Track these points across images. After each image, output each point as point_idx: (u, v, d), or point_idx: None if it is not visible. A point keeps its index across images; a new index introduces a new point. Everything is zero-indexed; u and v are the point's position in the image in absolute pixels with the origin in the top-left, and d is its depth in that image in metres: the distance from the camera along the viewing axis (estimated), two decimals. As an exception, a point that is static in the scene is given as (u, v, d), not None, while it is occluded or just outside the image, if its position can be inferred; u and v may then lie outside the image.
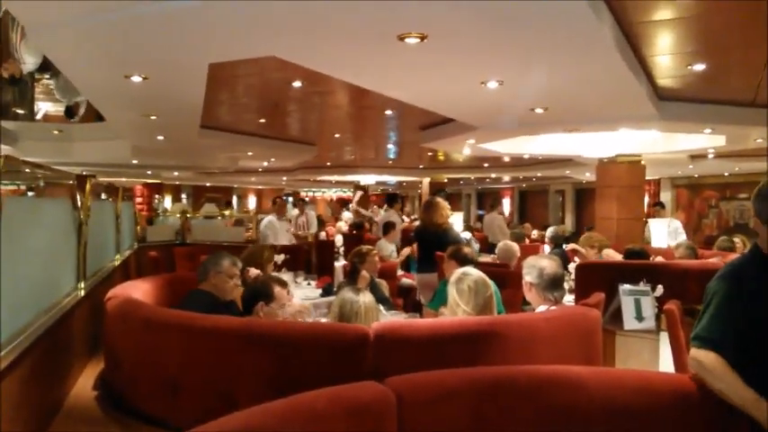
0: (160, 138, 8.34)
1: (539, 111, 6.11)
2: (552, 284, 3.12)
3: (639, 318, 4.83)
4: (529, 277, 3.18)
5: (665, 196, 16.25)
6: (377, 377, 1.97)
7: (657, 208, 9.49)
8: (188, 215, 9.59)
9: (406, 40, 3.67)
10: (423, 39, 3.66)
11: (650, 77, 5.46)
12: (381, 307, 3.82)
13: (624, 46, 4.30)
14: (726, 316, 2.11)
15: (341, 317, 2.99)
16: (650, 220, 9.02)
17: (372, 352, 2.62)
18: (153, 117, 6.69)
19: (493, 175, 18.40)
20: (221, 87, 6.17)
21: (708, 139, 7.64)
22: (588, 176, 14.51)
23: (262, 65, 5.34)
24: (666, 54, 4.84)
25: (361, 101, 7.16)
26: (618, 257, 6.00)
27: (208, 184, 23.41)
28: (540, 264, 3.19)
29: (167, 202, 21.89)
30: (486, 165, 15.26)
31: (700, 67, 5.05)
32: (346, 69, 4.70)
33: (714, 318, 2.13)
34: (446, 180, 17.89)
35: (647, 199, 14.21)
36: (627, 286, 4.87)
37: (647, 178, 14.07)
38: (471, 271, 3.26)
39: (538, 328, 2.81)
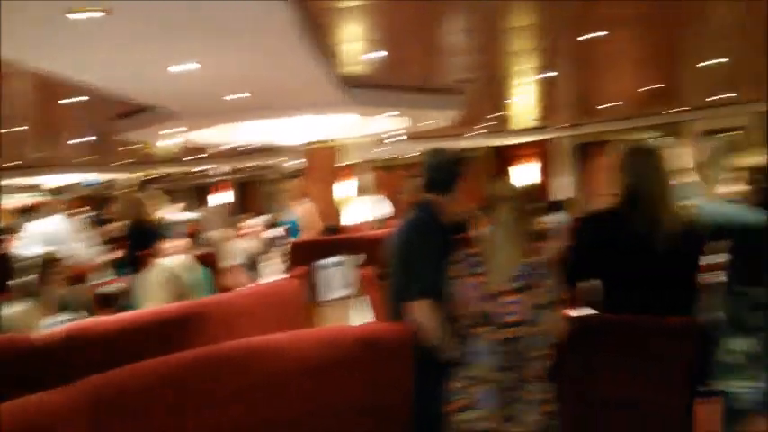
0: None
1: (241, 96, 6.14)
2: (255, 264, 3.31)
3: (340, 286, 5.26)
4: (233, 260, 3.31)
5: (367, 177, 17.84)
6: (68, 380, 1.80)
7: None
8: None
9: (81, 14, 3.34)
10: (105, 13, 3.37)
11: (337, 64, 5.87)
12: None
13: (310, 33, 4.54)
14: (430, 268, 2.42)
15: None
16: (351, 199, 9.88)
17: (62, 354, 2.38)
18: None
19: (211, 167, 18.00)
20: None
21: (395, 122, 8.60)
22: (298, 163, 15.12)
23: None
24: (352, 41, 5.26)
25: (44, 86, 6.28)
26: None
27: None
28: (242, 246, 3.37)
29: None
30: (202, 156, 14.85)
31: (380, 54, 5.59)
32: (10, 47, 4.08)
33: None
34: (166, 174, 16.90)
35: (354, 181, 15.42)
36: (326, 260, 5.26)
37: (350, 162, 15.33)
38: (165, 261, 3.21)
39: (239, 305, 2.87)
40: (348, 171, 17.20)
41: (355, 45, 5.38)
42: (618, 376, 2.41)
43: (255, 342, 2.20)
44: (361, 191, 10.78)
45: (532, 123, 12.81)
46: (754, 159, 2.75)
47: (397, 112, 7.74)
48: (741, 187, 2.68)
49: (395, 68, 6.26)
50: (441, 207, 2.63)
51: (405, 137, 10.67)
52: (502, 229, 2.27)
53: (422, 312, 2.42)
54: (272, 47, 4.44)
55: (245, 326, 2.80)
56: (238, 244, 3.48)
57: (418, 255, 2.52)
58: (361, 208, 9.66)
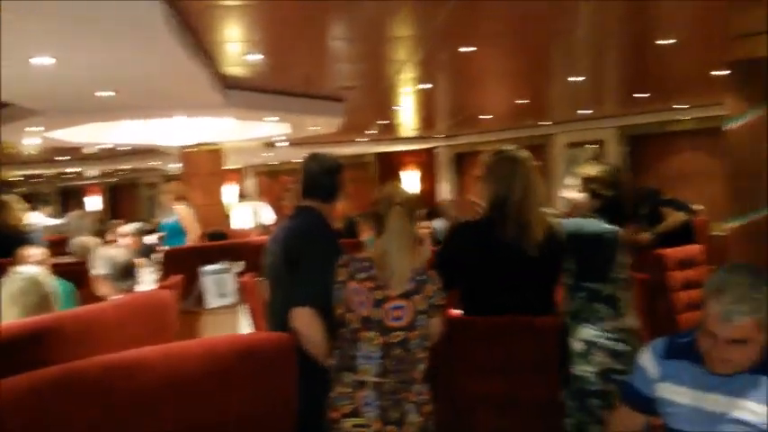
0: None
1: (106, 94, 5.76)
2: (124, 274, 3.12)
3: (222, 294, 5.09)
4: (100, 270, 3.10)
5: (250, 183, 17.48)
6: None
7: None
8: None
9: None
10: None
11: (216, 65, 5.69)
12: None
13: (183, 30, 4.36)
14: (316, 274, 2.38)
15: None
16: (233, 205, 9.61)
17: None
18: None
19: (77, 170, 16.74)
20: None
21: (276, 127, 8.48)
22: (173, 167, 14.51)
23: None
24: (230, 42, 5.10)
25: None
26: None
27: None
28: (110, 254, 3.18)
29: None
30: (67, 158, 13.78)
31: (259, 57, 5.48)
32: None
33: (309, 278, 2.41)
34: (31, 176, 15.49)
35: (237, 186, 15.01)
36: (208, 267, 5.08)
37: (234, 167, 14.93)
38: (23, 270, 2.92)
39: (104, 319, 2.67)
40: (233, 176, 16.77)
41: (233, 46, 5.23)
42: (490, 374, 2.52)
43: (119, 358, 2.04)
44: (245, 196, 10.50)
45: (416, 132, 13.17)
46: (593, 169, 3.00)
47: (276, 118, 7.62)
48: (580, 195, 2.95)
49: (275, 72, 6.18)
50: (322, 212, 2.62)
51: (288, 142, 10.56)
52: (394, 234, 2.28)
53: (305, 320, 2.39)
54: (140, 44, 4.21)
55: (111, 341, 2.61)
56: (107, 251, 3.25)
57: (301, 261, 2.48)
58: (243, 214, 9.44)
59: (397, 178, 16.36)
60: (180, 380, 2.07)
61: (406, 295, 2.23)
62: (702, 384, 1.92)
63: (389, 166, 16.61)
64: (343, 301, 2.29)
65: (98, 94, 5.73)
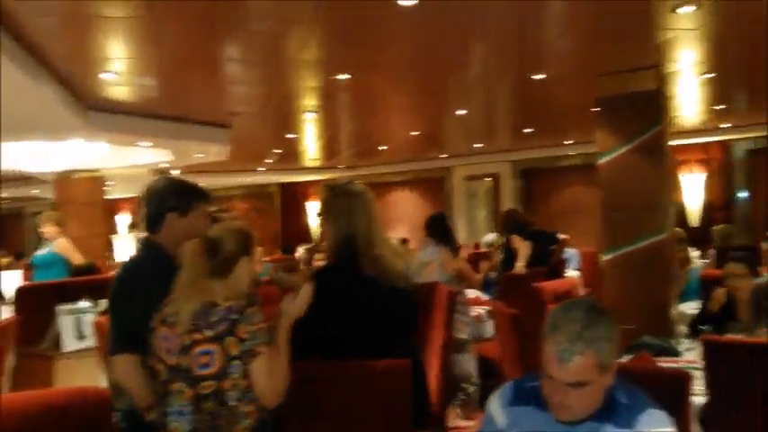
0: None
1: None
2: None
3: (81, 337, 4.62)
4: None
5: (144, 212, 16.57)
6: None
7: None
8: None
9: None
10: None
11: (74, 85, 5.24)
12: None
13: (26, 51, 3.99)
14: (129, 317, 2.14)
15: None
16: (114, 237, 9.02)
17: None
18: None
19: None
20: None
21: (157, 154, 8.02)
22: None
23: None
24: (85, 60, 4.68)
25: None
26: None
27: None
28: None
29: None
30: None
31: (109, 76, 5.03)
32: None
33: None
34: None
35: (128, 216, 14.20)
36: (65, 306, 4.61)
37: (126, 195, 14.12)
38: None
39: None
40: (124, 205, 15.88)
41: (87, 64, 4.82)
42: (344, 420, 2.33)
43: None
44: (135, 226, 9.90)
45: (318, 163, 13.02)
46: None
47: (149, 143, 7.20)
48: None
49: (151, 96, 5.82)
50: (158, 246, 2.33)
51: (179, 170, 10.07)
52: (184, 270, 2.06)
53: (122, 368, 2.12)
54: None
55: None
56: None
57: (120, 304, 2.22)
58: (128, 245, 8.87)
59: (303, 209, 16.10)
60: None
61: (216, 338, 1.96)
62: None
63: (294, 196, 16.33)
64: (153, 349, 2.04)
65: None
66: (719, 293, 3.63)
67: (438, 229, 5.32)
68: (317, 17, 3.85)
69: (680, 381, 2.15)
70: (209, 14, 3.83)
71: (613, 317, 1.79)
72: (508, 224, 6.71)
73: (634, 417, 1.72)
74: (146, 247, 2.37)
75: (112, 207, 14.57)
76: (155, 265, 2.28)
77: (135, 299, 2.17)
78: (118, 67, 4.93)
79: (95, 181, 8.34)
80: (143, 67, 5.04)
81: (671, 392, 2.08)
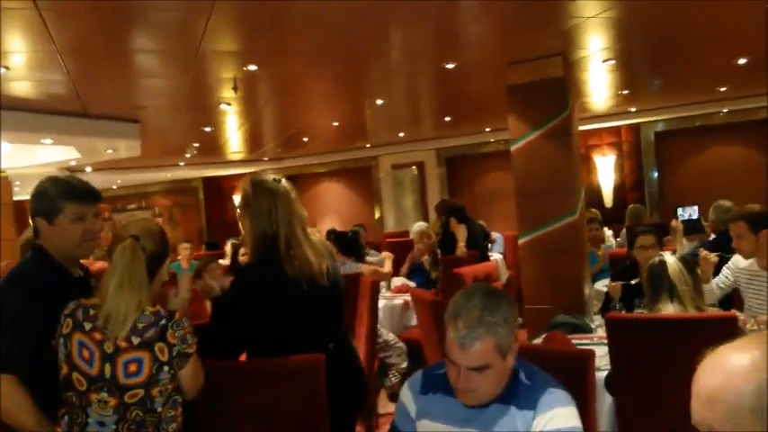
0: None
1: None
2: None
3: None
4: None
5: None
6: None
7: None
8: None
9: None
10: None
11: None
12: None
13: None
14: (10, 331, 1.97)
15: None
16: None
17: None
18: None
19: None
20: None
21: (64, 152, 7.60)
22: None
23: None
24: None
25: None
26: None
27: None
28: None
29: None
30: None
31: (3, 70, 4.75)
32: None
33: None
34: None
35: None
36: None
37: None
38: None
39: None
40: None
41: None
42: (263, 419, 2.29)
43: None
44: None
45: (241, 155, 12.72)
46: None
47: (49, 140, 6.82)
48: None
49: (53, 92, 5.50)
50: (45, 252, 2.17)
51: (90, 168, 9.57)
52: (116, 272, 1.95)
53: (3, 391, 1.94)
54: None
55: None
56: None
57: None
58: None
59: (228, 203, 15.73)
60: None
61: (144, 345, 1.91)
62: (456, 419, 1.83)
63: (218, 190, 15.94)
64: (67, 358, 1.92)
65: None
66: (614, 288, 3.78)
67: (352, 248, 5.55)
68: (220, 6, 3.72)
69: (584, 359, 2.26)
70: (109, 4, 3.64)
71: (511, 300, 1.83)
72: (446, 209, 7.17)
73: (535, 397, 1.77)
74: (35, 251, 2.20)
75: (25, 209, 13.73)
76: (42, 271, 2.12)
77: (14, 312, 1.99)
78: (14, 62, 4.63)
79: (5, 181, 7.80)
80: (41, 60, 4.74)
81: (578, 370, 2.20)
